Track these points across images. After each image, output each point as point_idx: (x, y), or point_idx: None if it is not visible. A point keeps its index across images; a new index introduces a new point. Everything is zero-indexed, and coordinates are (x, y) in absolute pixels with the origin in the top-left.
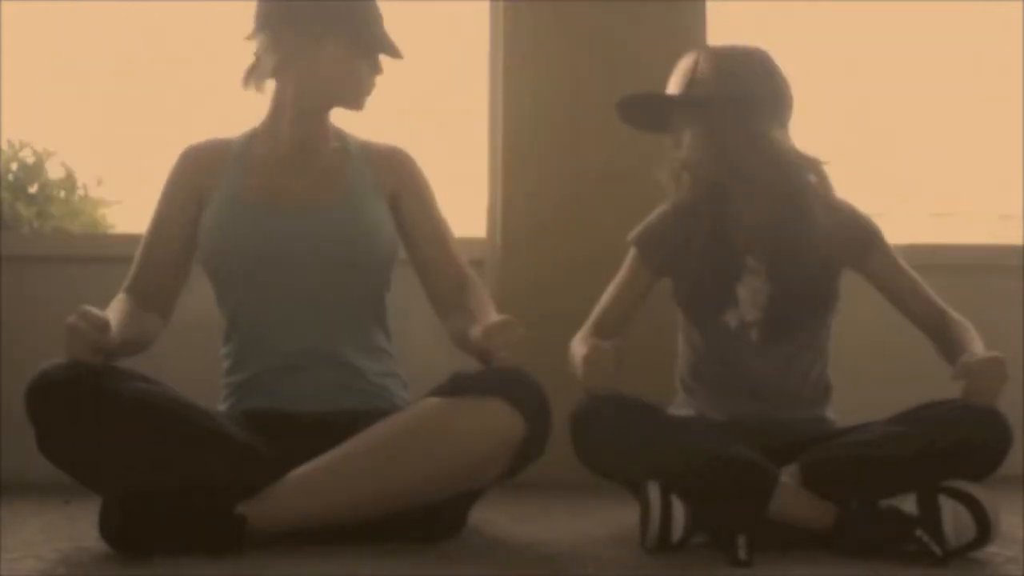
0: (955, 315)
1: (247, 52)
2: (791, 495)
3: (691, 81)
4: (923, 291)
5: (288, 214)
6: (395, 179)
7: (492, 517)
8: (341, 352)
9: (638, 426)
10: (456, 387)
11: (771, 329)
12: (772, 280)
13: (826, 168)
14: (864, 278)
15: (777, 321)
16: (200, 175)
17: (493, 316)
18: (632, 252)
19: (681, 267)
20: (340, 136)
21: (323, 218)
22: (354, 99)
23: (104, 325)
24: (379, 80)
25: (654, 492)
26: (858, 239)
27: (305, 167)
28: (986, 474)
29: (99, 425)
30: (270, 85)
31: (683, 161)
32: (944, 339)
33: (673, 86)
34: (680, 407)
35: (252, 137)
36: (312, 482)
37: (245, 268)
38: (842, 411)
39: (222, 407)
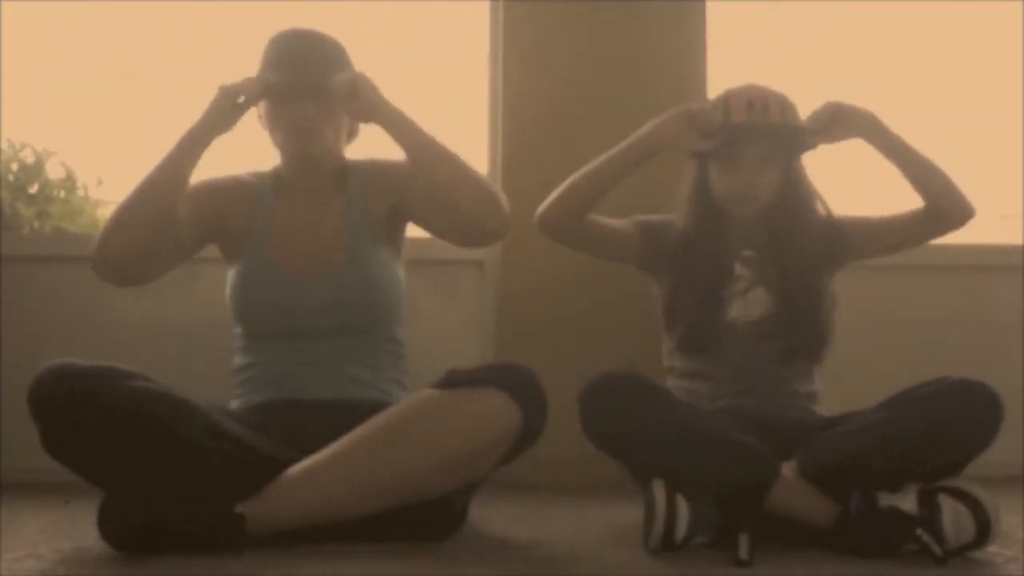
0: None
1: (248, 53)
2: (791, 488)
3: (775, 112)
4: (896, 214)
5: (299, 281)
6: (385, 195)
7: (492, 517)
8: (352, 388)
9: (645, 404)
10: (452, 380)
11: (764, 336)
12: (769, 291)
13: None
14: (862, 261)
15: (771, 331)
16: (224, 207)
17: None
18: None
19: (670, 271)
20: (342, 175)
21: (331, 285)
22: (291, 145)
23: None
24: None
25: (659, 492)
26: (835, 240)
27: (315, 230)
28: (980, 450)
29: (101, 424)
30: None
31: (753, 184)
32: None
33: (746, 115)
34: None
35: (274, 181)
36: (311, 478)
37: (260, 324)
38: (841, 410)
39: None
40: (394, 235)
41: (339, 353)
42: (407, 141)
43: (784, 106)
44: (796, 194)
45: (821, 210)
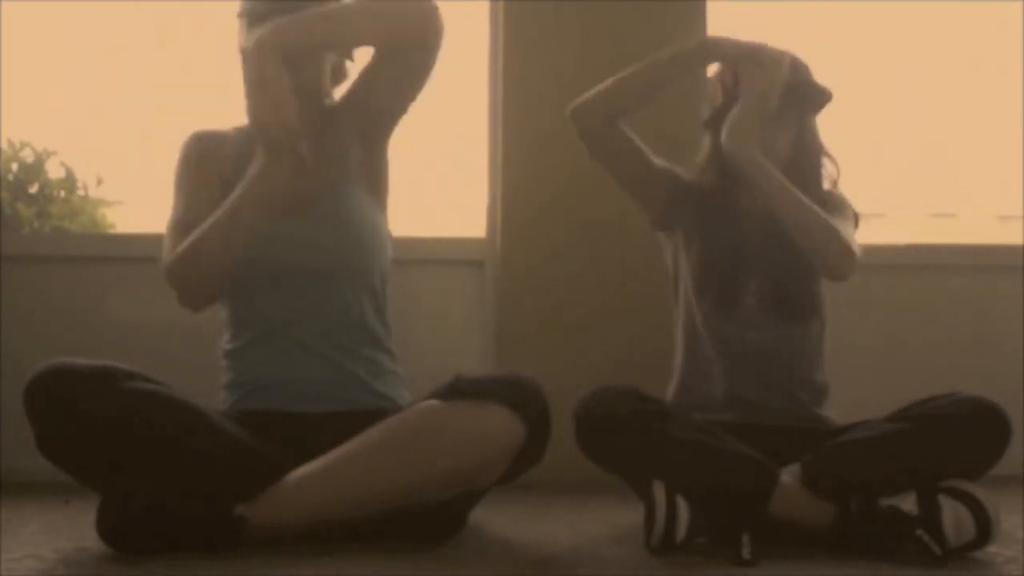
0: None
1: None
2: (792, 494)
3: (786, 71)
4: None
5: (277, 221)
6: (351, 115)
7: (492, 517)
8: (339, 350)
9: (641, 420)
10: (457, 390)
11: (773, 305)
12: (770, 263)
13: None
14: None
15: (776, 299)
16: (214, 161)
17: None
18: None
19: (696, 229)
20: (324, 117)
21: (310, 225)
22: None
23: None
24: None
25: (659, 492)
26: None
27: (292, 171)
28: (987, 468)
29: (98, 425)
30: None
31: (768, 142)
32: None
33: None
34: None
35: (249, 134)
36: (312, 483)
37: (241, 273)
38: (842, 410)
39: (222, 408)
40: (374, 175)
41: (321, 313)
42: (318, 37)
43: (794, 64)
44: (807, 153)
45: (830, 168)
